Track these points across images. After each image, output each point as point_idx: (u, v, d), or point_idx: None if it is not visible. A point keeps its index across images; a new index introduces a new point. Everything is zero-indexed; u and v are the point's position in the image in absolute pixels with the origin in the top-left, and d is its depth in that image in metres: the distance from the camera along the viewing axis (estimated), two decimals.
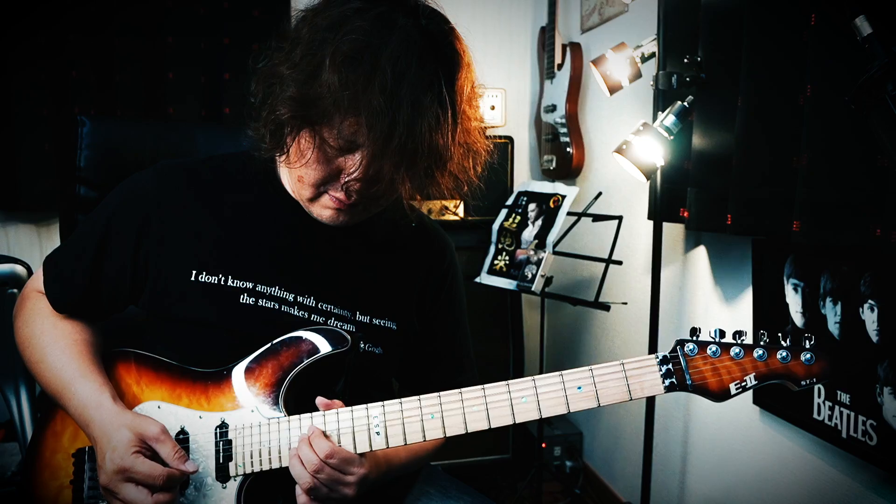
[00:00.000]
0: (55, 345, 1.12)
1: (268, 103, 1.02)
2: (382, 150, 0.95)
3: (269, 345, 1.08)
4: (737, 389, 0.94)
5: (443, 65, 0.98)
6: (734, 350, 0.95)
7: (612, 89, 1.92)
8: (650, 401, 1.95)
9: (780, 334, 0.96)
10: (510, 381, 0.98)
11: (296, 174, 1.07)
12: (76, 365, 1.09)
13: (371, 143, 0.96)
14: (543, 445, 2.48)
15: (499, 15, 3.12)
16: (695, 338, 0.97)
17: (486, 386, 0.99)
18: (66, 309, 1.16)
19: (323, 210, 1.09)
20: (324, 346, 1.06)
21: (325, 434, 1.00)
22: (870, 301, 1.37)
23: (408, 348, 1.24)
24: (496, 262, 2.34)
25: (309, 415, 1.03)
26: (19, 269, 1.39)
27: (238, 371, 1.08)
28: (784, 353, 0.94)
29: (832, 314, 1.46)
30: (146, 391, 1.10)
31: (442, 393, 0.99)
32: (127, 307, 1.20)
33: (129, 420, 1.02)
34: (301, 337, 1.08)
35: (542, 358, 2.56)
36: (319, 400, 1.03)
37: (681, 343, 0.96)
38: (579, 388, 0.96)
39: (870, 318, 1.37)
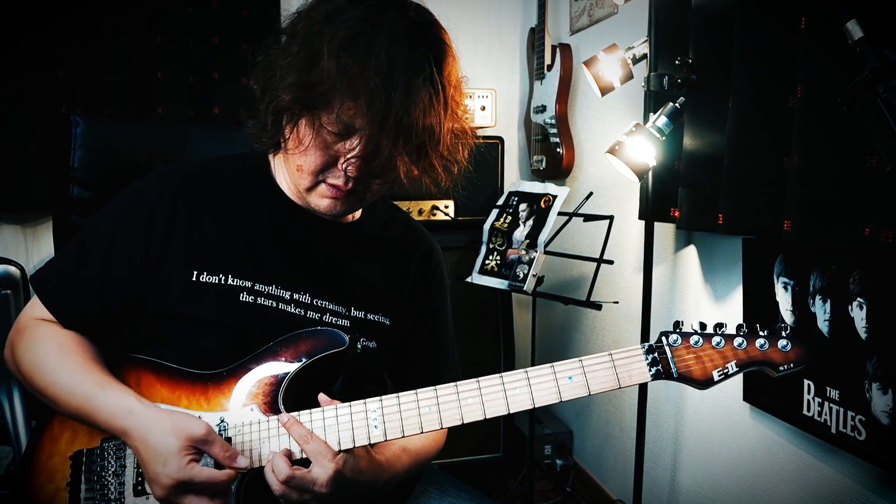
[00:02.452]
0: (65, 364, 1.07)
1: (268, 93, 1.05)
2: (380, 128, 0.99)
3: (269, 345, 1.09)
4: (719, 376, 0.99)
5: (432, 50, 1.03)
6: (715, 340, 1.00)
7: (604, 90, 1.94)
8: (641, 399, 1.97)
9: (757, 325, 1.01)
10: (503, 374, 1.02)
11: (294, 164, 1.09)
12: (92, 378, 1.05)
13: (369, 124, 0.99)
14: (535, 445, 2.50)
15: (488, 16, 3.13)
16: (678, 330, 1.01)
17: (480, 379, 1.02)
18: (76, 323, 1.13)
19: (320, 200, 1.11)
20: (323, 346, 1.08)
21: (289, 452, 1.01)
22: (858, 299, 1.39)
23: (400, 345, 1.26)
24: (487, 261, 2.35)
25: (308, 411, 1.04)
26: (13, 269, 1.37)
27: (237, 371, 1.08)
28: (762, 342, 0.99)
29: (821, 312, 1.49)
30: (145, 394, 1.09)
31: (438, 387, 1.02)
32: (134, 321, 1.17)
33: (169, 424, 0.99)
34: (301, 336, 1.09)
35: (534, 357, 2.57)
36: (322, 397, 1.05)
37: (665, 334, 1.01)
38: (570, 377, 1.00)
39: (858, 315, 1.39)
